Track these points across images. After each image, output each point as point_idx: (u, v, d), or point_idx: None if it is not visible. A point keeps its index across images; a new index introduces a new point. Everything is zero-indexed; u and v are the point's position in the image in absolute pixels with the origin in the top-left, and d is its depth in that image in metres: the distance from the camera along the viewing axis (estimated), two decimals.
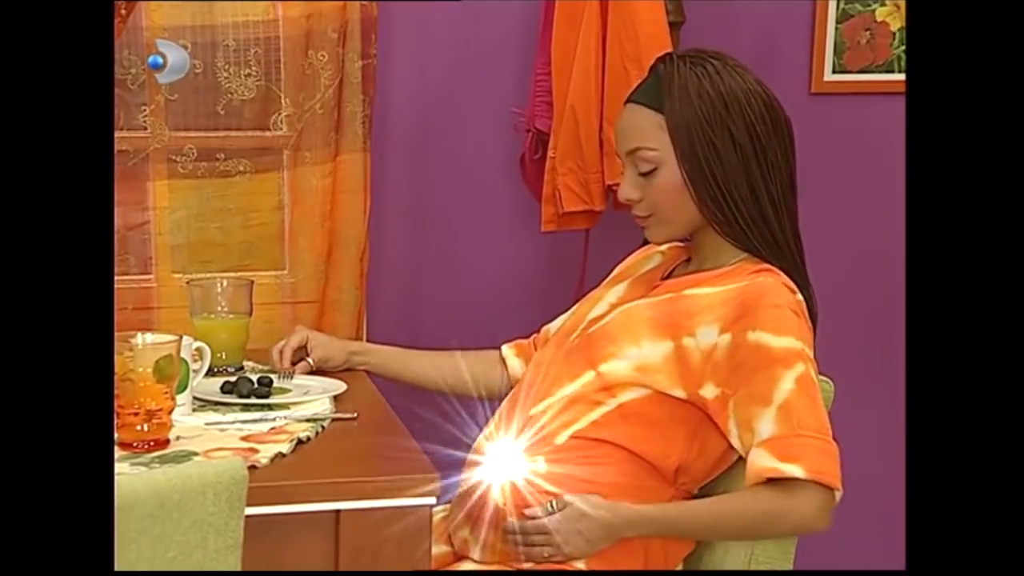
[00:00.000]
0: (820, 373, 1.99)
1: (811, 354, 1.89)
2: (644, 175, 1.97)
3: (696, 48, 2.03)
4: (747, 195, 1.93)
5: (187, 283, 2.37)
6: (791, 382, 1.84)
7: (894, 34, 3.05)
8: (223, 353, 2.24)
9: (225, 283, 2.32)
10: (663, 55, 2.04)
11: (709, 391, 1.89)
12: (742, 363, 1.86)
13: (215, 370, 2.19)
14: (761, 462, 1.84)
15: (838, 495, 1.87)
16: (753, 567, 1.98)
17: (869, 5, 3.04)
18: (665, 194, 1.96)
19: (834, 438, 1.89)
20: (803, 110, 3.04)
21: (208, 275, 2.53)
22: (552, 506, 1.88)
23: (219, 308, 2.29)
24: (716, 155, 1.92)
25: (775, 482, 1.85)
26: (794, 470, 1.82)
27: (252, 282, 2.34)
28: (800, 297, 1.93)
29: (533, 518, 1.89)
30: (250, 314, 2.30)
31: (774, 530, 1.92)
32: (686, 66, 1.96)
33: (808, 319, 1.93)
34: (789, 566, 2.00)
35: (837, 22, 3.03)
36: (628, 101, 2.02)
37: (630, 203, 2.00)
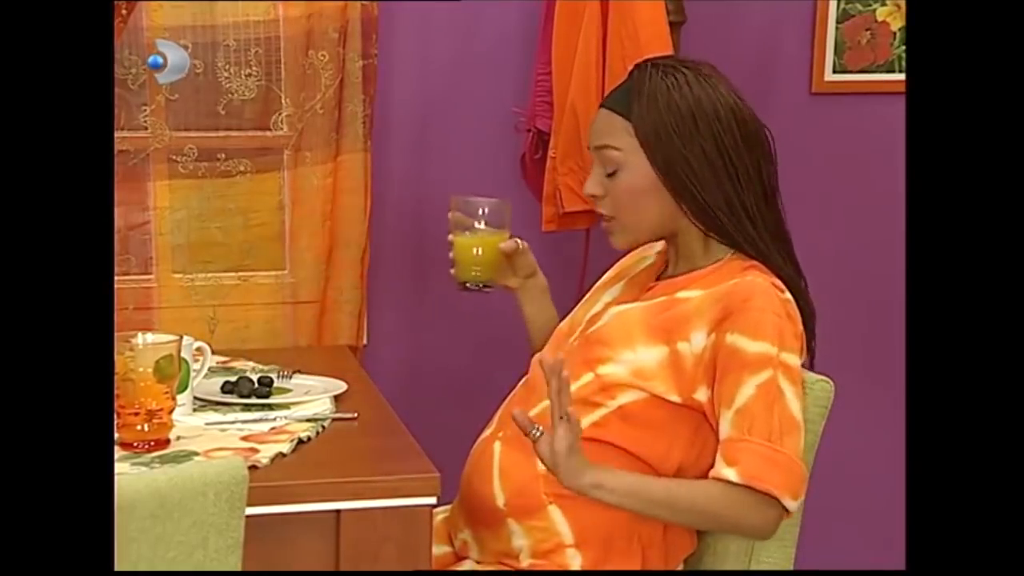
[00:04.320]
0: (820, 373, 2.00)
1: (791, 358, 1.88)
2: (609, 175, 1.98)
3: (674, 56, 2.03)
4: (722, 204, 1.94)
5: (452, 200, 2.22)
6: (752, 388, 1.84)
7: (895, 34, 3.05)
8: (476, 269, 2.17)
9: (487, 207, 2.20)
10: (640, 62, 2.04)
11: (703, 394, 1.90)
12: (719, 364, 1.88)
13: (466, 286, 2.15)
14: (715, 465, 1.86)
15: (791, 505, 1.84)
16: (753, 567, 1.98)
17: (870, 5, 3.04)
18: (625, 196, 1.97)
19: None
20: (803, 110, 3.05)
21: (471, 196, 2.31)
22: (567, 416, 1.83)
23: (477, 226, 2.19)
24: (688, 165, 1.93)
25: (730, 483, 1.85)
26: (729, 473, 1.83)
27: (510, 204, 2.23)
28: (788, 296, 1.93)
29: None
30: (508, 234, 2.19)
31: (720, 528, 1.94)
32: (658, 74, 1.96)
33: (797, 321, 1.93)
34: (789, 566, 2.00)
35: (838, 22, 3.03)
36: (601, 106, 2.03)
37: (593, 199, 2.02)
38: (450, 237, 2.18)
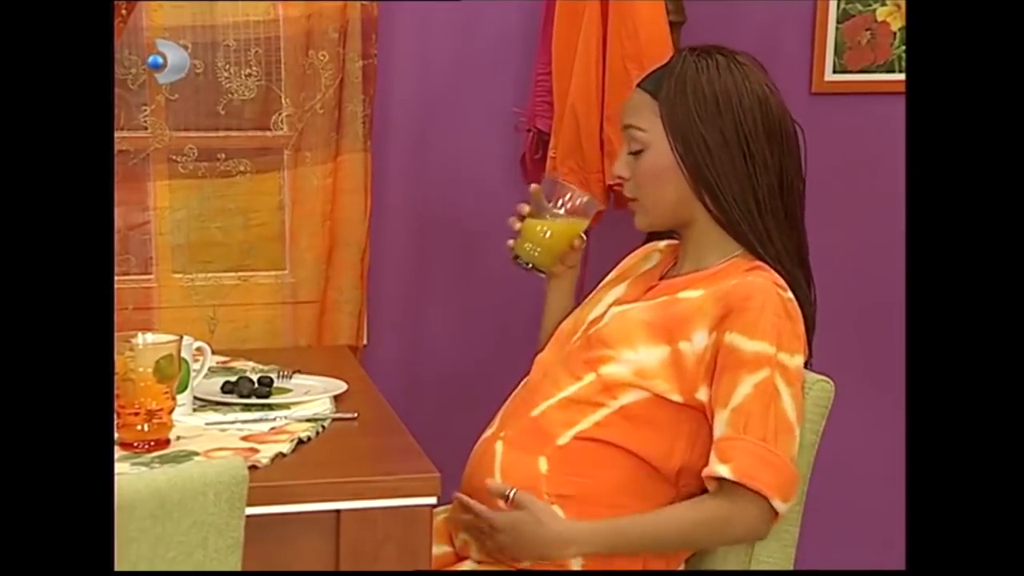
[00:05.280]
0: (821, 373, 2.00)
1: (789, 359, 1.88)
2: (633, 154, 1.99)
3: (714, 43, 2.04)
4: (736, 191, 1.94)
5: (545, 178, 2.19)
6: (749, 387, 1.85)
7: (895, 34, 3.05)
8: (537, 250, 2.14)
9: (574, 197, 2.16)
10: (681, 50, 2.06)
11: (704, 394, 1.90)
12: (717, 363, 1.88)
13: (520, 260, 2.13)
14: (709, 463, 1.87)
15: (781, 507, 1.85)
16: (754, 567, 1.98)
17: (870, 5, 3.04)
18: (646, 176, 1.98)
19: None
20: (803, 110, 3.02)
21: (566, 182, 2.27)
22: (511, 496, 1.89)
23: (556, 209, 2.15)
24: (705, 147, 1.94)
25: (721, 489, 1.86)
26: (723, 470, 1.84)
27: (598, 205, 2.24)
28: (790, 296, 1.93)
29: (495, 494, 1.91)
30: (585, 227, 2.17)
31: (720, 538, 1.93)
32: (692, 58, 1.99)
33: (798, 320, 1.93)
34: (789, 566, 2.00)
35: (838, 22, 3.03)
36: (636, 86, 2.05)
37: (620, 180, 2.03)
38: (525, 209, 2.14)
